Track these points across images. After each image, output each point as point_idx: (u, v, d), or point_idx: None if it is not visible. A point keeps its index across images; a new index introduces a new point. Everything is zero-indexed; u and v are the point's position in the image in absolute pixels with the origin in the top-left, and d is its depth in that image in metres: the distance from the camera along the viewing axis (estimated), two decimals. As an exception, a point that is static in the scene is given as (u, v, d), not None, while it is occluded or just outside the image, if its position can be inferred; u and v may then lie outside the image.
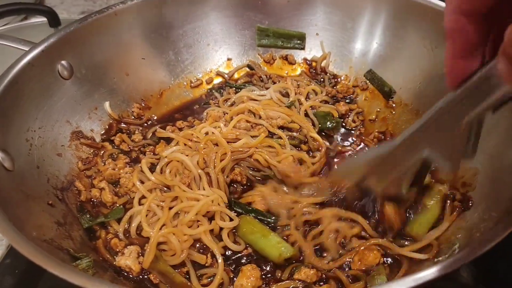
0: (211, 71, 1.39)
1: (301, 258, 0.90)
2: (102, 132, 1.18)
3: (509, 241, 0.65)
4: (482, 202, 0.87)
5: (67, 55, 1.12)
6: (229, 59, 1.39)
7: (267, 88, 1.29)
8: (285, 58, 1.41)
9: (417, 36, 1.17)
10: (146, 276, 0.87)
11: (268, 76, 1.37)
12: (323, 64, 1.37)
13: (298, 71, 1.40)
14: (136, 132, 1.20)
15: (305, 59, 1.40)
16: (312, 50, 1.39)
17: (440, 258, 0.81)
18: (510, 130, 0.88)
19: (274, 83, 1.33)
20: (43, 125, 1.03)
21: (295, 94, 1.25)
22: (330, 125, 1.20)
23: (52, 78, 1.08)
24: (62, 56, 1.10)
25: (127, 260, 0.85)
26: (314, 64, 1.39)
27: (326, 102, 1.27)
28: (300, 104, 1.24)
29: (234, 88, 1.33)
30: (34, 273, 0.90)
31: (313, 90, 1.29)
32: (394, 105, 1.25)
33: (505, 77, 0.48)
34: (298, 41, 1.39)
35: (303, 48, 1.40)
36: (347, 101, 1.30)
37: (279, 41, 1.40)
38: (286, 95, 1.27)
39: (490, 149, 0.93)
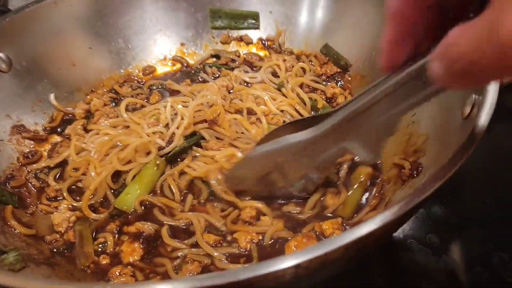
0: (164, 58, 1.34)
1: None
2: (47, 125, 1.13)
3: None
4: (431, 167, 0.83)
5: (4, 47, 1.07)
6: (182, 44, 1.35)
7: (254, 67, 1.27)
8: (240, 39, 1.36)
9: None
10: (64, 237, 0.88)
11: (238, 55, 1.34)
12: (279, 41, 1.33)
13: (253, 50, 1.35)
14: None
15: (260, 39, 1.35)
16: (267, 29, 1.35)
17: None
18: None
19: (247, 61, 1.31)
20: (-22, 120, 0.99)
21: (286, 70, 1.22)
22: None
23: (-12, 72, 1.04)
24: (-1, 48, 1.06)
25: (61, 215, 0.89)
26: (270, 43, 1.35)
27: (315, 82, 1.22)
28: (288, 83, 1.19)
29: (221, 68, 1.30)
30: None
31: (301, 68, 1.24)
32: (350, 78, 1.20)
33: (436, 79, 0.43)
34: (252, 21, 1.35)
35: (257, 28, 1.35)
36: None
37: (233, 22, 1.36)
38: (276, 74, 1.24)
39: (441, 111, 0.89)
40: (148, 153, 0.99)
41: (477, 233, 0.91)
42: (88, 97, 1.21)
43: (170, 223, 0.89)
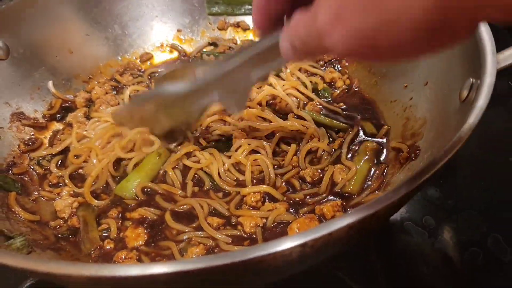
0: (161, 45, 1.34)
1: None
2: (46, 112, 1.13)
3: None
4: (428, 150, 0.85)
5: (1, 34, 1.07)
6: (179, 30, 1.35)
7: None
8: (237, 25, 1.37)
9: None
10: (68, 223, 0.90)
11: (235, 42, 1.34)
12: (276, 28, 1.33)
13: (250, 37, 1.35)
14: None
15: (257, 25, 1.35)
16: (264, 15, 1.35)
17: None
18: (455, 72, 0.85)
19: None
20: (-22, 108, 0.99)
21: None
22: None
23: (-14, 60, 1.04)
24: (-4, 35, 1.05)
25: (63, 202, 0.91)
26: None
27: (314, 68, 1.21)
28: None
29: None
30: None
31: None
32: (347, 64, 1.21)
33: (283, 53, 0.55)
34: (249, 7, 1.35)
35: (254, 13, 1.35)
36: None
37: (230, 8, 1.36)
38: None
39: (438, 95, 0.91)
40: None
41: (473, 215, 0.93)
42: (89, 85, 1.21)
43: (173, 208, 0.90)
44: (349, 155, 0.98)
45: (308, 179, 0.93)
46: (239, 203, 0.90)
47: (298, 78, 1.15)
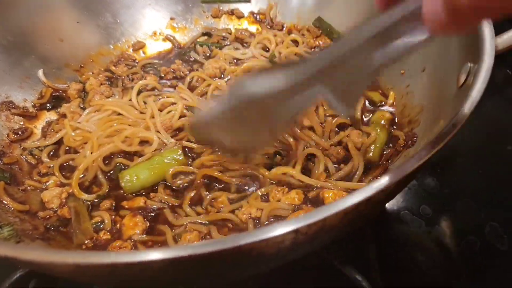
0: (154, 33, 1.31)
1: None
2: (36, 101, 1.11)
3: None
4: (425, 137, 0.84)
5: (-11, 21, 1.05)
6: (172, 19, 1.32)
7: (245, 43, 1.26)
8: (231, 13, 1.34)
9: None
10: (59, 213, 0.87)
11: (229, 32, 1.32)
12: (271, 15, 1.31)
13: (245, 25, 1.33)
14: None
15: (251, 12, 1.33)
16: (258, 2, 1.33)
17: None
18: (452, 57, 0.83)
19: (238, 38, 1.29)
20: (-35, 97, 0.97)
21: (276, 45, 1.21)
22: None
23: (-27, 48, 1.01)
24: (-18, 22, 1.03)
25: (51, 192, 0.88)
26: (262, 17, 1.33)
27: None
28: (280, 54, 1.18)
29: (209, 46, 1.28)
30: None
31: (293, 40, 1.23)
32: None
33: (428, 21, 0.43)
34: (243, -6, 1.33)
35: (249, 1, 1.33)
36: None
37: (224, -5, 1.33)
38: (267, 49, 1.23)
39: (436, 81, 0.90)
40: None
41: (470, 204, 0.92)
42: (84, 76, 1.19)
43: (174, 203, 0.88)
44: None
45: (333, 159, 0.91)
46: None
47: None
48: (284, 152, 0.92)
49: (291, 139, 0.93)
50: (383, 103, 1.02)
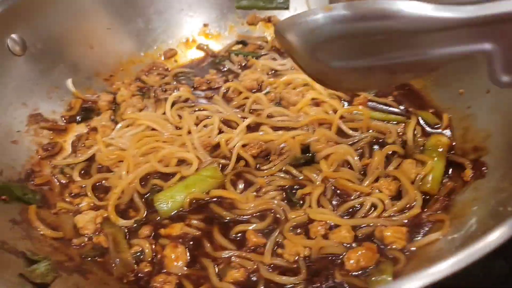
0: (187, 41, 1.24)
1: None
2: (65, 113, 1.05)
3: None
4: (499, 168, 0.76)
5: (18, 27, 0.98)
6: (205, 25, 1.25)
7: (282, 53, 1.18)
8: (268, 20, 1.27)
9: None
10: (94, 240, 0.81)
11: (265, 41, 1.25)
12: (310, 24, 1.24)
13: (283, 34, 1.26)
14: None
15: (290, 20, 1.26)
16: (297, 10, 1.25)
17: (455, 236, 0.70)
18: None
19: (275, 47, 1.21)
20: (-7, 110, 0.90)
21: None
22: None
23: (1, 55, 0.95)
24: (11, 29, 0.97)
25: (85, 217, 0.82)
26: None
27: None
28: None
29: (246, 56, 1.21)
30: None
31: None
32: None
33: None
34: (281, 0, 1.25)
35: (287, 8, 1.26)
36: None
37: (260, 1, 1.26)
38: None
39: (504, 106, 0.82)
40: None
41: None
42: (114, 86, 1.12)
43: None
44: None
45: (386, 191, 0.82)
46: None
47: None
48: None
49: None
50: (438, 125, 0.94)
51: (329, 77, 0.65)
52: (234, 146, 0.92)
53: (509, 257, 0.76)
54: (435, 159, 0.86)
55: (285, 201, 0.84)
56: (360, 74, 0.62)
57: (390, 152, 0.89)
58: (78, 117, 1.05)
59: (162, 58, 1.22)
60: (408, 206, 0.80)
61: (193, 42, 1.25)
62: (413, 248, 0.73)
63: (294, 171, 0.88)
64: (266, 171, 0.89)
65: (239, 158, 0.91)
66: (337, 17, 0.56)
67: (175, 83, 1.14)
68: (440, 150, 0.88)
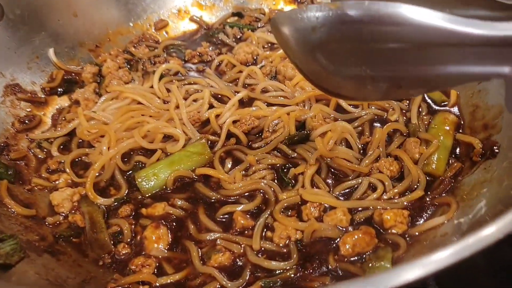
0: (179, 11, 1.17)
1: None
2: (46, 84, 0.98)
3: None
4: (512, 147, 0.69)
5: (-7, -9, 0.91)
6: (198, -5, 1.18)
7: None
8: (266, -10, 1.19)
9: None
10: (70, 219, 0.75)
11: (262, 13, 1.17)
12: (309, -6, 1.16)
13: (281, 5, 1.18)
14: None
15: (288, -10, 1.18)
16: (298, -18, 1.18)
17: (462, 220, 0.63)
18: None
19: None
20: (-34, 78, 0.84)
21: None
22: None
23: (-24, 20, 0.88)
24: (-14, -8, 0.90)
25: (61, 194, 0.76)
26: (299, -4, 1.18)
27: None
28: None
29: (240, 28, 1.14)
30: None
31: None
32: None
33: None
34: (281, -31, 1.18)
35: (286, -22, 1.18)
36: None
37: (258, -30, 1.18)
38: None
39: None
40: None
41: None
42: (100, 58, 1.05)
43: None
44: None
45: (387, 172, 0.76)
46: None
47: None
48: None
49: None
50: (445, 103, 0.87)
51: (327, 81, 0.59)
52: (224, 122, 0.86)
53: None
54: (441, 138, 0.79)
55: (276, 181, 0.77)
56: (361, 82, 0.56)
57: (392, 130, 0.82)
58: (59, 89, 0.98)
59: (152, 29, 1.14)
60: (410, 188, 0.74)
61: (185, 13, 1.17)
62: (415, 233, 0.68)
63: (287, 149, 0.81)
64: (258, 150, 0.83)
65: (230, 134, 0.85)
66: (345, 17, 0.50)
67: (165, 55, 1.07)
68: (447, 128, 0.81)
